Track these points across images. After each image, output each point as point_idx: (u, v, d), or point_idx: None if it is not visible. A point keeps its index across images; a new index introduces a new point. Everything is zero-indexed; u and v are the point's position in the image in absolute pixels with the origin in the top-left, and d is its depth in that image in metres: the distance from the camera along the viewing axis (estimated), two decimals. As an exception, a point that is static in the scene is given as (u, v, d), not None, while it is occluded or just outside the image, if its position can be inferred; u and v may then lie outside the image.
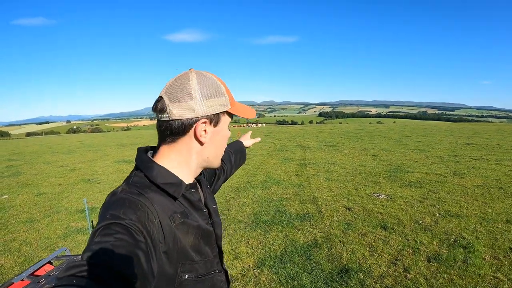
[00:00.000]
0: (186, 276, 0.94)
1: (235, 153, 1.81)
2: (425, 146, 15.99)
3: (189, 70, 0.99)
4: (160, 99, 0.96)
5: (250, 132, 2.08)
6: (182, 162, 1.01)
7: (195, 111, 0.94)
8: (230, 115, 1.07)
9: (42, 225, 6.39)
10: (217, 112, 0.99)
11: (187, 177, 1.03)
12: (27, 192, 9.50)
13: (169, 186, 0.95)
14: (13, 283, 2.37)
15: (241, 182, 9.14)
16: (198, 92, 0.95)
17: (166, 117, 0.94)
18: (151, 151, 1.07)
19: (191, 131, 0.97)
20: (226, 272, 1.18)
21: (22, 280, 2.40)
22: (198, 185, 1.12)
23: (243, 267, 4.27)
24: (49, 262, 2.76)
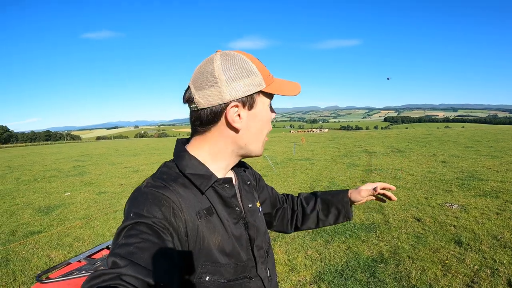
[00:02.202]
0: (207, 278, 0.86)
1: (307, 199, 1.42)
2: (498, 152, 15.22)
3: (216, 51, 0.92)
4: (187, 88, 0.92)
5: (371, 184, 1.38)
6: (217, 153, 0.94)
7: (223, 96, 0.86)
8: (269, 94, 0.95)
9: (98, 222, 6.57)
10: (250, 93, 0.89)
11: (222, 171, 0.97)
12: (89, 190, 9.99)
13: (196, 177, 0.89)
14: (70, 263, 2.44)
15: (303, 187, 8.96)
16: (224, 74, 0.86)
17: (194, 107, 0.89)
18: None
19: (223, 119, 0.89)
20: (262, 279, 1.02)
21: (79, 261, 2.46)
22: (235, 180, 1.05)
23: (299, 280, 3.93)
24: (107, 248, 2.79)
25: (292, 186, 9.16)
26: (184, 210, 0.83)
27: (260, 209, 1.14)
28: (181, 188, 0.87)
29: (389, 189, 1.33)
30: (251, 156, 1.00)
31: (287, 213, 1.37)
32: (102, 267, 2.18)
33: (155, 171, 0.97)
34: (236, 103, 0.88)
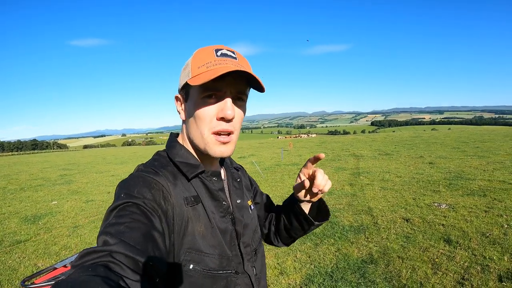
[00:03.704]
0: (191, 266, 0.86)
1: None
2: (484, 152, 15.47)
3: None
4: None
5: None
6: (185, 141, 0.99)
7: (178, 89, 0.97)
8: (200, 86, 0.87)
9: (85, 230, 6.49)
10: (181, 85, 0.93)
11: (209, 163, 1.00)
12: (76, 199, 9.90)
13: (184, 165, 0.93)
14: (56, 268, 2.45)
15: (291, 191, 8.86)
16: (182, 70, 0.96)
17: None
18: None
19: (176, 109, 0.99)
20: (251, 276, 1.00)
21: (65, 266, 2.47)
22: (224, 175, 1.07)
23: (289, 284, 3.91)
24: None
25: (281, 191, 9.18)
26: (173, 195, 0.85)
27: (252, 207, 1.13)
28: (171, 174, 0.90)
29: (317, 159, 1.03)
30: (204, 153, 0.93)
31: (274, 224, 1.27)
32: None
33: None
34: (177, 95, 0.97)
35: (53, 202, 9.46)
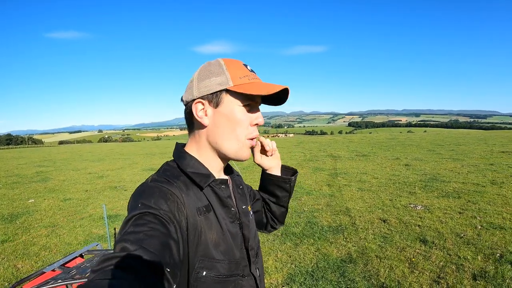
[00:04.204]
0: (204, 273, 0.90)
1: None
2: (459, 155, 15.80)
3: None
4: None
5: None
6: (202, 151, 1.01)
7: (194, 93, 0.96)
8: (243, 96, 0.96)
9: (64, 230, 6.37)
10: (213, 91, 0.94)
11: (216, 172, 1.03)
12: (53, 197, 9.67)
13: (196, 175, 0.95)
14: (44, 272, 2.42)
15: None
16: (197, 76, 0.97)
17: (185, 108, 1.01)
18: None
19: (195, 115, 0.96)
20: (256, 278, 1.07)
21: (53, 270, 2.45)
22: (229, 182, 1.09)
23: (271, 283, 3.97)
24: (81, 256, 2.84)
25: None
26: (186, 206, 0.88)
27: (251, 212, 1.17)
28: (183, 185, 0.92)
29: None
30: (229, 157, 1.01)
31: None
32: (78, 276, 2.23)
33: (157, 169, 1.01)
34: (200, 100, 0.95)
35: (30, 201, 9.22)
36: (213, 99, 0.95)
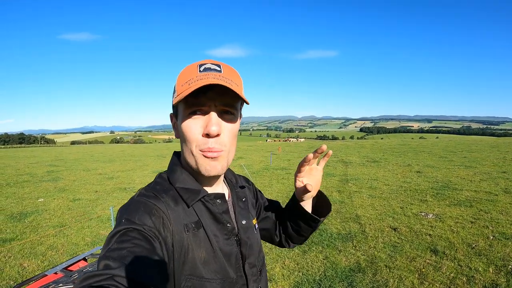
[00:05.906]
0: None
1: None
2: (472, 162, 15.61)
3: None
4: None
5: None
6: (185, 163, 0.95)
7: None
8: (183, 103, 0.87)
9: (72, 230, 6.38)
10: (173, 103, 0.90)
11: (210, 185, 0.98)
12: (63, 197, 9.74)
13: (184, 191, 0.91)
14: (46, 275, 2.40)
15: (279, 197, 8.94)
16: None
17: None
18: None
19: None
20: None
21: (56, 273, 2.42)
22: (228, 196, 1.05)
23: (278, 291, 3.90)
24: (84, 259, 2.79)
25: (269, 196, 9.04)
26: (172, 222, 0.84)
27: (256, 226, 1.12)
28: (172, 200, 0.88)
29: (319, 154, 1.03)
30: (197, 172, 0.91)
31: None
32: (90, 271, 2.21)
33: (150, 182, 0.99)
34: (171, 113, 0.97)
35: (40, 200, 9.30)
36: (175, 111, 0.94)
